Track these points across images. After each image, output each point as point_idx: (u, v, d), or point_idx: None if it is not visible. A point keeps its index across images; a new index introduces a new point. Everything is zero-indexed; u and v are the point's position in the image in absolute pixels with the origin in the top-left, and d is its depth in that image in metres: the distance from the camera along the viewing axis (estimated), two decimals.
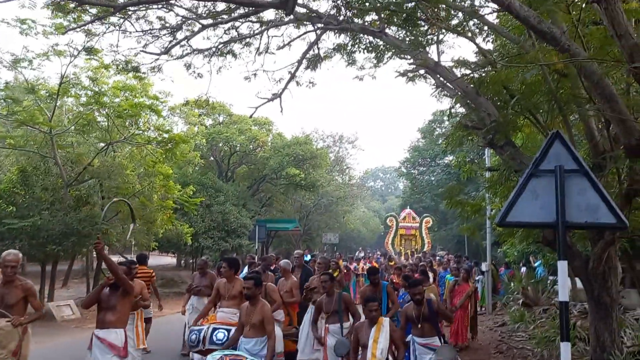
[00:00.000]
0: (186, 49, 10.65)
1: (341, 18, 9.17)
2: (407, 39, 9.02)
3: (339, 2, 9.33)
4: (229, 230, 22.55)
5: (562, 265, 3.55)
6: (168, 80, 46.77)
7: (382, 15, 8.54)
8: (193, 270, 10.02)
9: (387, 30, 8.73)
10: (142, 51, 10.28)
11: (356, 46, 10.50)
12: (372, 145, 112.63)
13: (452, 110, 9.79)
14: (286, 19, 9.86)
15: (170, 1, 9.57)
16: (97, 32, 10.64)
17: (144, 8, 9.70)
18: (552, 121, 6.90)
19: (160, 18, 10.21)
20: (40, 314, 5.75)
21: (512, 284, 15.93)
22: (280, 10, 9.58)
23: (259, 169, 28.04)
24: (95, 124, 15.92)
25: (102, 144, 16.55)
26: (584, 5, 5.74)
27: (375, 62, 10.72)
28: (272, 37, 11.74)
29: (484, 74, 7.12)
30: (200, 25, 10.01)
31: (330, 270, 8.01)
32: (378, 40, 9.58)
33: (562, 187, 3.55)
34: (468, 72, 7.62)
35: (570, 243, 6.77)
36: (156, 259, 30.33)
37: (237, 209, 23.60)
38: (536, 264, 16.46)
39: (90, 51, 12.92)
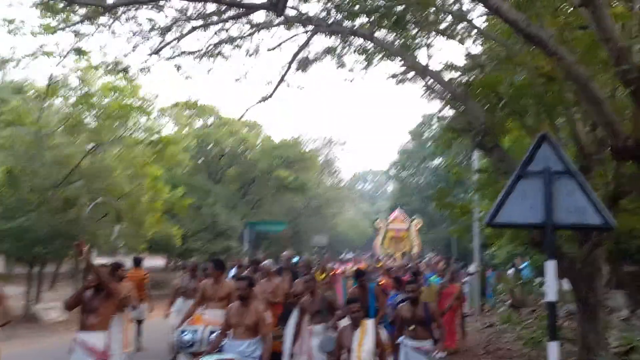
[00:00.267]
0: (176, 50, 10.61)
1: (331, 21, 9.20)
2: (397, 42, 9.07)
3: (329, 4, 9.35)
4: (218, 232, 22.48)
5: (551, 265, 3.59)
6: (157, 81, 46.57)
7: (372, 18, 8.58)
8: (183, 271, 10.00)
9: (376, 34, 8.77)
10: (132, 51, 10.22)
11: (346, 49, 10.52)
12: (361, 148, 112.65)
13: (441, 113, 9.85)
14: (276, 21, 9.86)
15: (160, 2, 9.54)
16: (86, 33, 10.57)
17: (133, 8, 9.66)
18: (539, 124, 6.96)
19: (150, 19, 10.17)
20: (9, 318, 5.70)
21: (499, 286, 16.05)
22: (270, 12, 9.59)
23: (248, 171, 28.00)
24: (84, 125, 15.79)
25: (91, 145, 16.41)
26: (571, 9, 5.82)
27: (365, 64, 10.75)
28: (263, 39, 11.74)
29: (472, 77, 7.19)
30: (191, 27, 9.98)
31: (312, 271, 8.00)
32: (368, 43, 9.61)
33: (550, 188, 3.60)
34: (457, 75, 7.69)
35: (558, 244, 6.83)
36: (146, 261, 30.05)
37: (226, 210, 23.54)
38: (522, 266, 16.55)
39: (79, 52, 12.80)
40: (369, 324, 5.40)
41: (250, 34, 10.49)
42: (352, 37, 9.72)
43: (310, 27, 9.61)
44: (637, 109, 4.60)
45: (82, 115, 15.40)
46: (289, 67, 10.84)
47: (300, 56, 10.83)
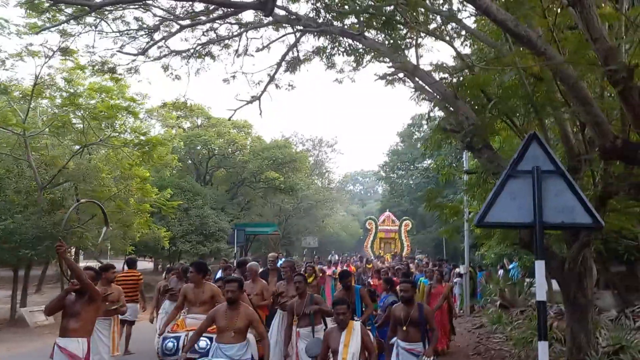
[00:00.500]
0: (164, 50, 10.54)
1: (320, 21, 9.17)
2: (386, 42, 9.05)
3: (318, 4, 9.33)
4: (207, 234, 22.31)
5: (540, 265, 3.57)
6: (145, 82, 46.31)
7: (361, 18, 8.56)
8: (166, 273, 9.89)
9: (366, 34, 8.75)
10: (119, 51, 10.13)
11: (335, 49, 10.51)
12: (351, 149, 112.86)
13: (431, 114, 9.84)
14: (265, 21, 9.83)
15: (148, 1, 9.45)
16: (72, 33, 10.46)
17: (121, 8, 9.57)
18: (528, 124, 6.97)
19: (137, 19, 10.08)
20: None
21: (489, 286, 16.10)
22: (259, 12, 9.54)
23: (237, 173, 27.87)
24: (71, 126, 15.59)
25: (78, 147, 16.23)
26: (559, 10, 5.82)
27: (354, 65, 10.74)
28: (251, 39, 11.70)
29: (462, 78, 7.18)
30: (178, 26, 9.90)
31: (296, 272, 7.88)
32: (357, 43, 9.60)
33: (539, 187, 3.59)
34: (446, 75, 7.67)
35: (547, 245, 6.84)
36: None
37: (215, 212, 23.40)
38: (511, 267, 16.62)
39: (65, 52, 12.67)
40: (356, 325, 5.31)
41: (239, 34, 10.45)
42: (342, 37, 9.70)
43: (299, 27, 9.58)
44: (625, 109, 4.60)
45: (69, 116, 15.21)
46: (278, 67, 10.82)
47: (289, 56, 10.82)
